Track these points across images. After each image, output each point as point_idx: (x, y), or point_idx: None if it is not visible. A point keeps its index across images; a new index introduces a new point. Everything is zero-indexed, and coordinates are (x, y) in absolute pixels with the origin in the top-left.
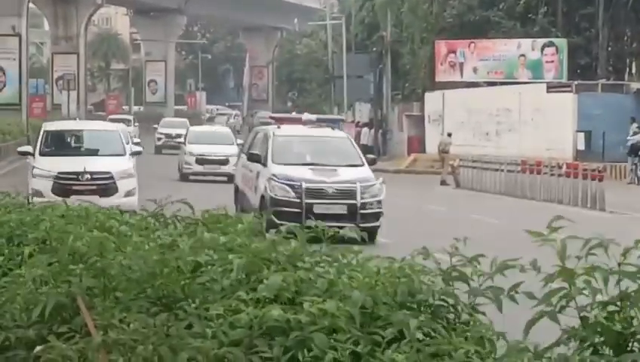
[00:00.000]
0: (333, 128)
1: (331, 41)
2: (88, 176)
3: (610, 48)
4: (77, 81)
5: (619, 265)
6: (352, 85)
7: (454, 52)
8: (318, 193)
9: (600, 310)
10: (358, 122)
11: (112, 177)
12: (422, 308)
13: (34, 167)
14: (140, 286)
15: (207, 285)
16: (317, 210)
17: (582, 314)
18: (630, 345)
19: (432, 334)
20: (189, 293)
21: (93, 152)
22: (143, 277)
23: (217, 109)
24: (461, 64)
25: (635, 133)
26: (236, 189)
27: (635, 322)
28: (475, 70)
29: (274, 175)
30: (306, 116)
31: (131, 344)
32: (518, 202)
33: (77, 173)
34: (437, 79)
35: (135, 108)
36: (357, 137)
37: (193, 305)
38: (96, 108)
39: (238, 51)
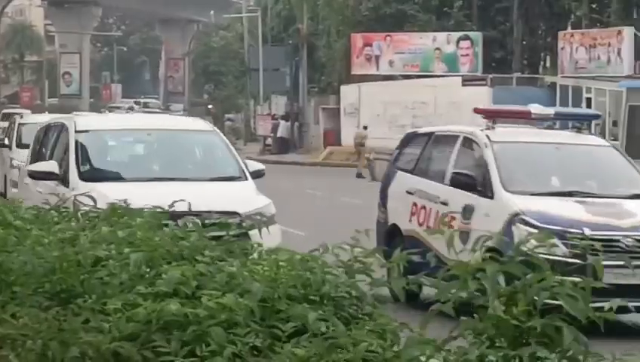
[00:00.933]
0: (581, 129)
1: (247, 34)
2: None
3: (524, 42)
4: None
5: (511, 258)
6: (268, 78)
7: (370, 45)
8: (609, 247)
9: (497, 303)
10: (275, 115)
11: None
12: (324, 301)
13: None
14: (38, 280)
15: (106, 279)
16: (610, 278)
17: (478, 308)
18: (526, 337)
19: (333, 327)
20: (88, 288)
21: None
22: (41, 271)
23: (144, 103)
24: (377, 57)
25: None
26: (386, 231)
27: (530, 315)
28: (391, 63)
29: (521, 213)
30: (537, 109)
31: (21, 339)
32: None
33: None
34: (353, 72)
35: (50, 100)
36: (273, 130)
37: (91, 300)
38: (9, 100)
39: (154, 43)
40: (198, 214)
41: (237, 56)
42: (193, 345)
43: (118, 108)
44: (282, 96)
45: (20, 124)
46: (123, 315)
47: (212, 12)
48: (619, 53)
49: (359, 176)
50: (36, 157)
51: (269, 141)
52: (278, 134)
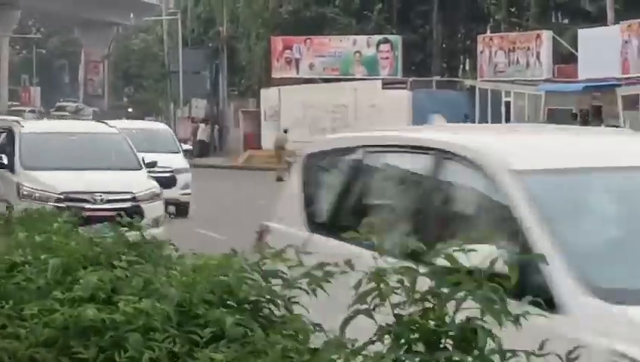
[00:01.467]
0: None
1: (167, 37)
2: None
3: (444, 45)
4: None
5: (430, 264)
6: (188, 81)
7: (290, 48)
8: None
9: (414, 308)
10: (194, 118)
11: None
12: (241, 306)
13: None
14: None
15: (23, 285)
16: None
17: (396, 312)
18: (443, 342)
19: (251, 332)
20: (4, 294)
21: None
22: None
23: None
24: (297, 60)
25: None
26: None
27: (447, 320)
28: (311, 66)
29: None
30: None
31: None
32: None
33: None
34: (273, 75)
35: None
36: (193, 133)
37: (7, 306)
38: None
39: (74, 46)
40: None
41: (157, 59)
42: (111, 351)
43: (23, 111)
44: (202, 100)
45: None
46: (40, 321)
47: (132, 15)
48: (538, 57)
49: (279, 179)
50: None
51: (189, 144)
52: (198, 137)
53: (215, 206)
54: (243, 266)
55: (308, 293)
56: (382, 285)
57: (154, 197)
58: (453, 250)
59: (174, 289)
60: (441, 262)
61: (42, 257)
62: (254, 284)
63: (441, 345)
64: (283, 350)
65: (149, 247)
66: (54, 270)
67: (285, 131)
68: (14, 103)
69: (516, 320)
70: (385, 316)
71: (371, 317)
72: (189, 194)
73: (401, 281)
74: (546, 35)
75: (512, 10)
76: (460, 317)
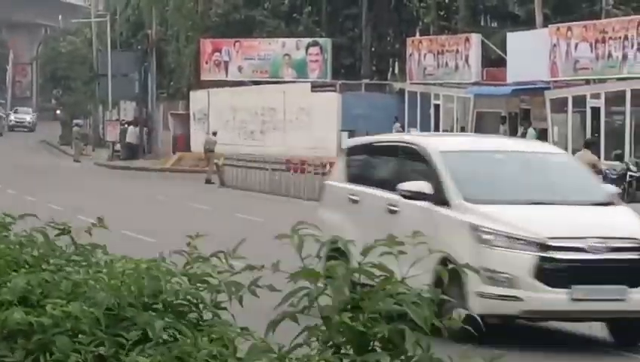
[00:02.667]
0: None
1: (96, 39)
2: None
3: (373, 49)
4: None
5: (359, 264)
6: (116, 83)
7: (219, 51)
8: None
9: (342, 310)
10: (123, 120)
11: None
12: (168, 309)
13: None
14: None
15: None
16: None
17: (324, 314)
18: (372, 344)
19: (178, 335)
20: None
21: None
22: None
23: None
24: (226, 63)
25: (397, 133)
26: None
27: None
28: (240, 69)
29: None
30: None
31: None
32: (282, 201)
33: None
34: (202, 78)
35: None
36: (122, 136)
37: None
38: None
39: (1, 48)
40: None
41: (86, 62)
42: (37, 354)
43: None
44: (131, 102)
45: None
46: None
47: (60, 16)
48: (467, 60)
49: (208, 181)
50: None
51: (118, 147)
52: (127, 140)
53: (145, 209)
54: (171, 270)
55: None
56: (312, 285)
57: None
58: (383, 253)
59: (103, 293)
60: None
61: None
62: (182, 289)
63: (370, 348)
64: (208, 354)
65: (79, 251)
66: None
67: (214, 134)
68: None
69: (444, 326)
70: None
71: (295, 320)
72: None
73: (330, 282)
74: (475, 38)
75: (441, 13)
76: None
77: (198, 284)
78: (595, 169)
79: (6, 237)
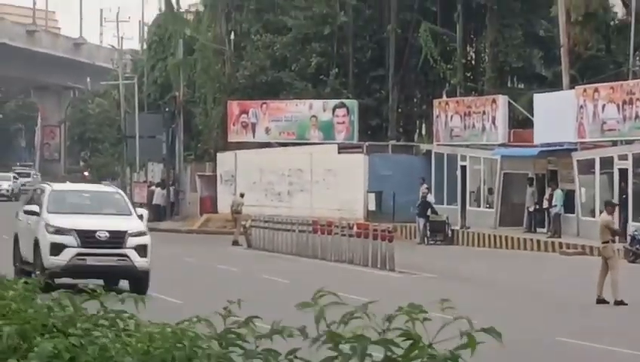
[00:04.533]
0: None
1: (124, 101)
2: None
3: (400, 110)
4: None
5: (383, 331)
6: (144, 145)
7: (247, 112)
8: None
9: None
10: (151, 182)
11: None
12: None
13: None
14: None
15: None
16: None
17: None
18: None
19: None
20: None
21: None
22: None
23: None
24: (253, 124)
25: (424, 194)
26: None
27: None
28: (267, 131)
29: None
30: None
31: None
32: (309, 262)
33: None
34: (229, 139)
35: None
36: (149, 197)
37: None
38: None
39: (30, 110)
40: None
41: (113, 124)
42: None
43: None
44: (159, 164)
45: None
46: None
47: (88, 79)
48: (493, 121)
49: (235, 243)
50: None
51: (145, 208)
52: (154, 201)
53: (172, 270)
54: (199, 335)
55: None
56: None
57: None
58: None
59: (130, 358)
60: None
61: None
62: (214, 353)
63: None
64: None
65: (106, 315)
66: (10, 337)
67: (242, 195)
68: None
69: None
70: None
71: None
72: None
73: (354, 348)
74: (502, 99)
75: (468, 75)
76: None
77: (230, 348)
78: (610, 228)
79: (33, 301)
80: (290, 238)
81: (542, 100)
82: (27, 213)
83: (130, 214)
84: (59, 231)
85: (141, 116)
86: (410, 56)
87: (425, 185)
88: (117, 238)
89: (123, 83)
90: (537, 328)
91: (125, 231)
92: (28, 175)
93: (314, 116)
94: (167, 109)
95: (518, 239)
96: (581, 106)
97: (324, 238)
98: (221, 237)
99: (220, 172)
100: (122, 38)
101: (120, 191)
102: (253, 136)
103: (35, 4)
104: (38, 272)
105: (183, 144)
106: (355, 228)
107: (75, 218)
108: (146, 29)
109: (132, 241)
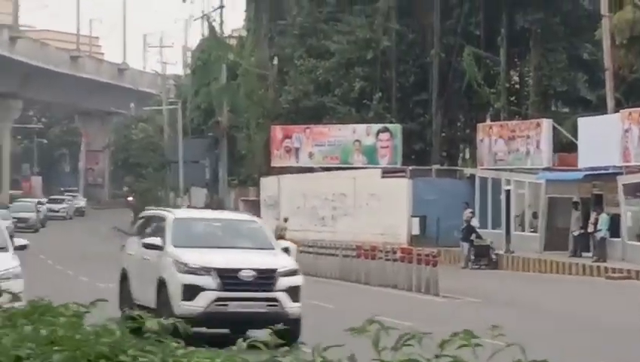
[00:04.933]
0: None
1: (167, 126)
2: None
3: (443, 134)
4: None
5: (436, 356)
6: (188, 170)
7: (290, 137)
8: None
9: None
10: (194, 208)
11: None
12: None
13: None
14: None
15: None
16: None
17: None
18: None
19: None
20: None
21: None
22: None
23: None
24: (297, 149)
25: (468, 219)
26: None
27: None
28: (310, 155)
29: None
30: None
31: None
32: (353, 287)
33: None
34: (273, 164)
35: None
36: None
37: None
38: None
39: (74, 135)
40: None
41: (157, 149)
42: None
43: None
44: (202, 188)
45: None
46: None
47: (132, 104)
48: (538, 145)
49: None
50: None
51: None
52: None
53: None
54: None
55: None
56: None
57: None
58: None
59: None
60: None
61: (48, 350)
62: None
63: None
64: None
65: (154, 341)
66: None
67: (285, 220)
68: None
69: None
70: None
71: None
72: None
73: None
74: (546, 123)
75: (512, 98)
76: None
77: None
78: None
79: (81, 327)
80: (333, 263)
81: (586, 124)
82: (145, 246)
83: (273, 248)
84: (192, 270)
85: (185, 141)
86: (453, 80)
87: (469, 210)
88: (266, 279)
89: (166, 108)
90: (586, 355)
91: (275, 270)
92: (62, 201)
93: (357, 140)
94: (210, 134)
95: (563, 263)
96: (626, 130)
97: (368, 263)
98: None
99: (263, 197)
100: (165, 63)
101: (257, 219)
102: (297, 161)
103: (78, 30)
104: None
105: (226, 169)
106: (398, 252)
107: (209, 253)
108: (189, 54)
109: (283, 282)
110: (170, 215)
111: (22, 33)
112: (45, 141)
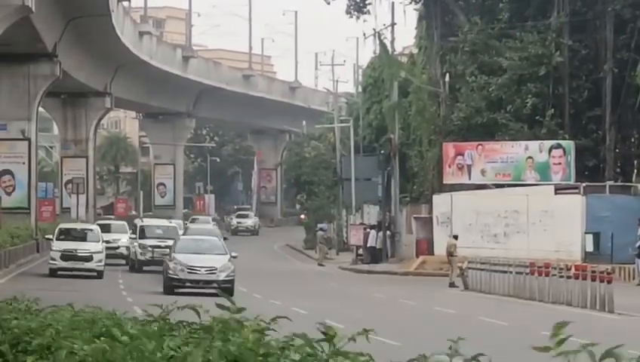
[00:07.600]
0: None
1: (339, 144)
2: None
3: (617, 150)
4: (86, 184)
5: None
6: (360, 187)
7: (462, 154)
8: None
9: None
10: (366, 225)
11: None
12: None
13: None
14: None
15: None
16: None
17: None
18: None
19: None
20: None
21: None
22: None
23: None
24: (469, 166)
25: None
26: None
27: None
28: (483, 172)
29: None
30: None
31: None
32: (526, 304)
33: None
34: (445, 181)
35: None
36: (365, 239)
37: None
38: (104, 211)
39: (247, 154)
40: None
41: (329, 166)
42: None
43: None
44: (374, 206)
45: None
46: None
47: (304, 122)
48: None
49: (452, 285)
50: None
51: (361, 251)
52: (369, 244)
53: (389, 312)
54: None
55: None
56: None
57: None
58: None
59: None
60: None
61: None
62: None
63: None
64: None
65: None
66: None
67: (455, 237)
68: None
69: None
70: None
71: None
72: None
73: None
74: None
75: None
76: None
77: None
78: None
79: (266, 343)
80: (506, 280)
81: None
82: None
83: None
84: None
85: (357, 159)
86: (627, 95)
87: None
88: None
89: (338, 126)
90: None
91: None
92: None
93: (530, 157)
94: (382, 152)
95: None
96: None
97: (542, 280)
98: (437, 279)
99: (435, 214)
100: (337, 81)
101: None
102: (469, 178)
103: (251, 49)
104: None
105: (398, 186)
106: (572, 269)
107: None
108: (360, 72)
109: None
110: None
111: (195, 53)
112: (218, 159)
